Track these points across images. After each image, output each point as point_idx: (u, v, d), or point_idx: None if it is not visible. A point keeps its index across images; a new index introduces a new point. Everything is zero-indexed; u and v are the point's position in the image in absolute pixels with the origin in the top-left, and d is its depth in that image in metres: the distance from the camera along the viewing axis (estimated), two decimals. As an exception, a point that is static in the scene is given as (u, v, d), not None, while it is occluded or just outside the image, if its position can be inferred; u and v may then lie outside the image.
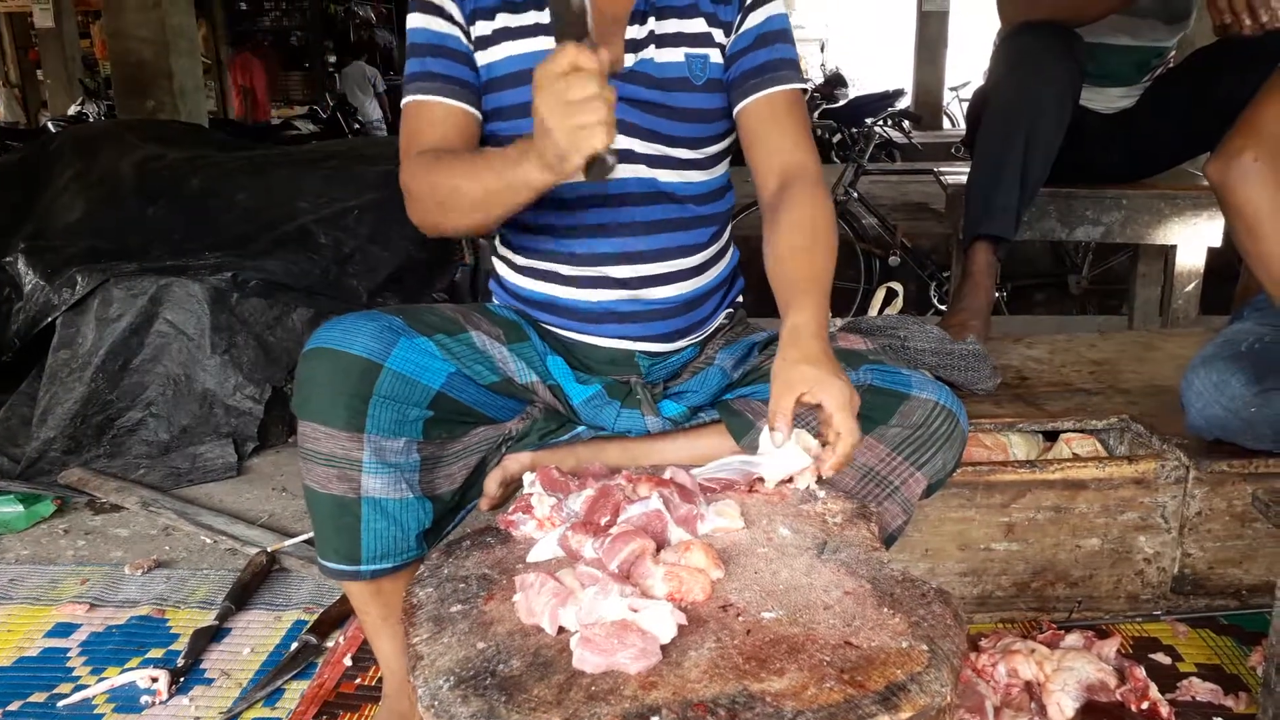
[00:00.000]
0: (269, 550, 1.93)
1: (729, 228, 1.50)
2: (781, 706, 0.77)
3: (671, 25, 1.33)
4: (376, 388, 1.18)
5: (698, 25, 1.35)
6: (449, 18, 1.31)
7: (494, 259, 1.51)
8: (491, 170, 1.19)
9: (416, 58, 1.32)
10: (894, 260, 5.19)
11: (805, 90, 1.39)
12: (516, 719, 0.77)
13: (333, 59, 13.53)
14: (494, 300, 1.51)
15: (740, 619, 0.90)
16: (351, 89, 10.89)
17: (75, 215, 2.79)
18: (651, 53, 1.32)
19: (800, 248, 1.26)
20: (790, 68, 1.36)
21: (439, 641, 0.90)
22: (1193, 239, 2.58)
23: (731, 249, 1.53)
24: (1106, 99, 2.44)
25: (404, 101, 1.33)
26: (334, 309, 2.57)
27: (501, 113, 1.32)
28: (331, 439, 1.18)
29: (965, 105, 11.30)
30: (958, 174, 2.95)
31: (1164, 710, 1.39)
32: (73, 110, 9.98)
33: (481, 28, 1.31)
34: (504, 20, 1.31)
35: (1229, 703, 1.44)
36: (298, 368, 1.22)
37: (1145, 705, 1.39)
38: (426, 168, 1.27)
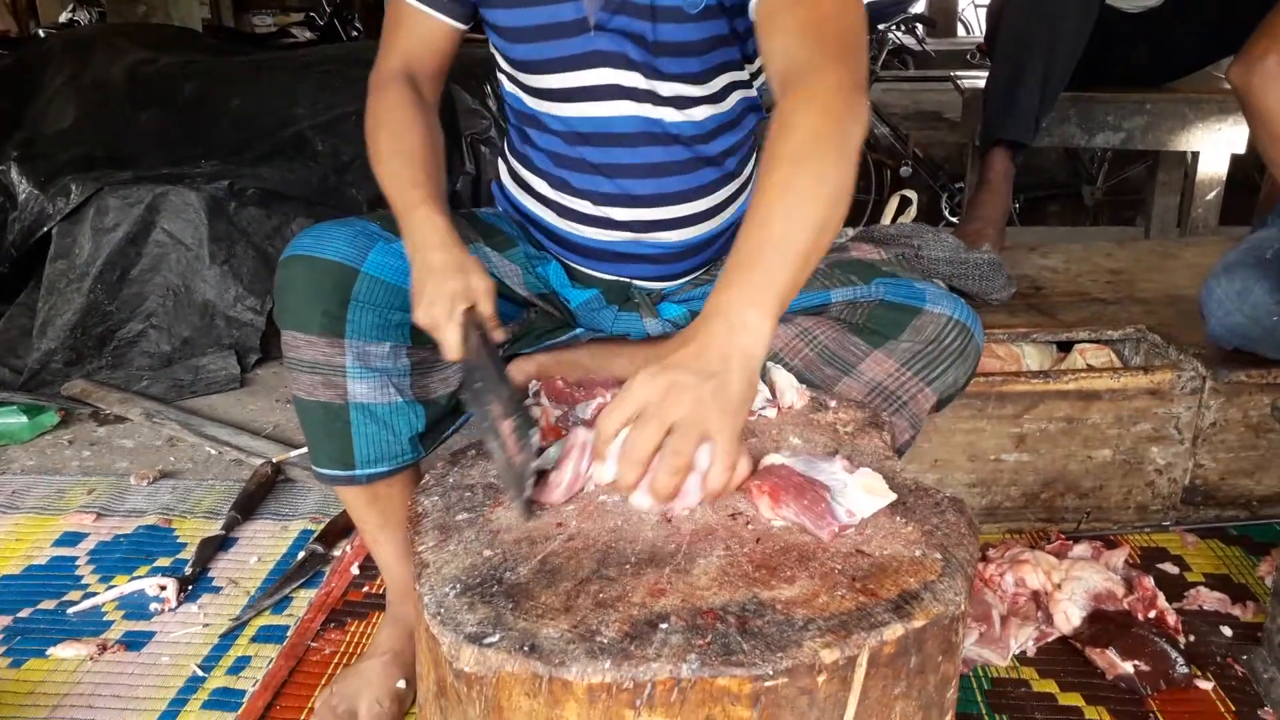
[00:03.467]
0: (274, 461, 1.93)
1: (751, 160, 1.39)
2: (792, 614, 0.76)
3: None
4: (354, 293, 1.15)
5: None
6: None
7: (500, 162, 1.46)
8: (391, 192, 1.18)
9: None
10: (905, 170, 5.09)
11: None
12: (523, 625, 0.76)
13: (328, -37, 13.14)
14: (495, 206, 1.46)
15: (750, 527, 0.89)
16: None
17: (67, 122, 2.71)
18: None
19: (768, 185, 0.91)
20: None
21: (445, 549, 0.88)
22: (1216, 145, 2.51)
23: (744, 197, 1.42)
24: (1132, -2, 2.34)
25: None
26: (333, 218, 2.52)
27: (497, 30, 1.24)
28: (312, 345, 1.15)
29: (981, 11, 10.97)
30: (974, 79, 2.86)
31: (1171, 619, 1.39)
32: (64, 18, 9.72)
33: None
34: None
35: (1236, 611, 1.44)
36: (275, 277, 1.19)
37: (1152, 614, 1.39)
38: (378, 115, 1.23)
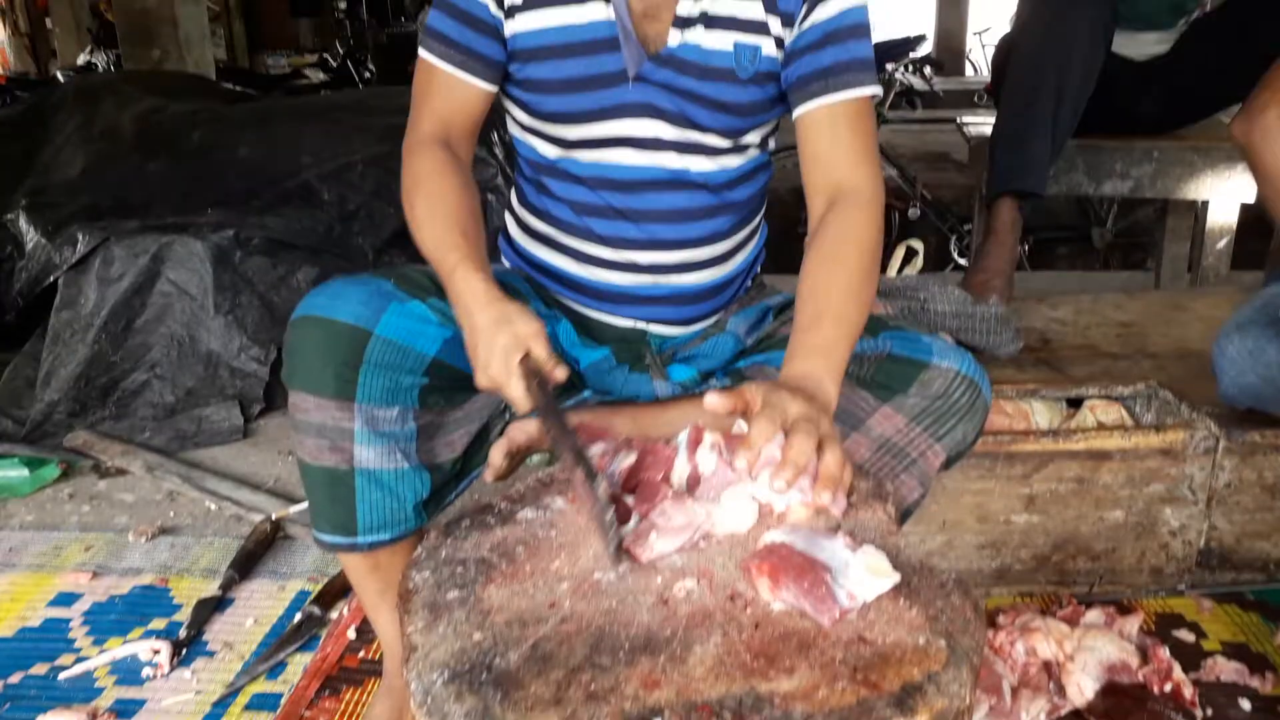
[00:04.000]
0: (274, 517, 1.91)
1: (763, 206, 1.42)
2: (791, 709, 0.73)
3: (725, 6, 1.21)
4: (366, 355, 1.13)
5: (753, 10, 1.21)
6: None
7: (507, 215, 1.46)
8: (431, 258, 1.19)
9: (439, 11, 1.24)
10: (914, 212, 5.09)
11: (877, 95, 1.23)
12: (512, 718, 0.74)
13: (342, 5, 13.34)
14: (502, 260, 1.45)
15: (749, 610, 0.86)
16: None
17: (76, 170, 2.73)
18: (698, 35, 1.20)
19: (825, 272, 1.14)
20: (861, 69, 1.21)
21: (434, 631, 0.86)
22: (1226, 194, 2.49)
23: (761, 228, 1.45)
24: (1139, 45, 2.33)
25: (420, 52, 1.26)
26: (339, 267, 2.52)
27: (530, 84, 1.25)
28: (321, 409, 1.13)
29: (988, 50, 11.04)
30: (980, 124, 2.85)
31: (1187, 691, 1.34)
32: (82, 59, 9.88)
33: None
34: None
35: (1254, 683, 1.40)
36: (286, 336, 1.17)
37: (1168, 686, 1.35)
38: (416, 179, 1.23)
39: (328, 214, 2.58)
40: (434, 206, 1.21)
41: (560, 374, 1.10)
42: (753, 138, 1.30)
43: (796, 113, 1.22)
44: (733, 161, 1.30)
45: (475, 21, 1.22)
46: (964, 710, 0.76)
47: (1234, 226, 2.57)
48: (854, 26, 1.21)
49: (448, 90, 1.25)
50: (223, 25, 12.10)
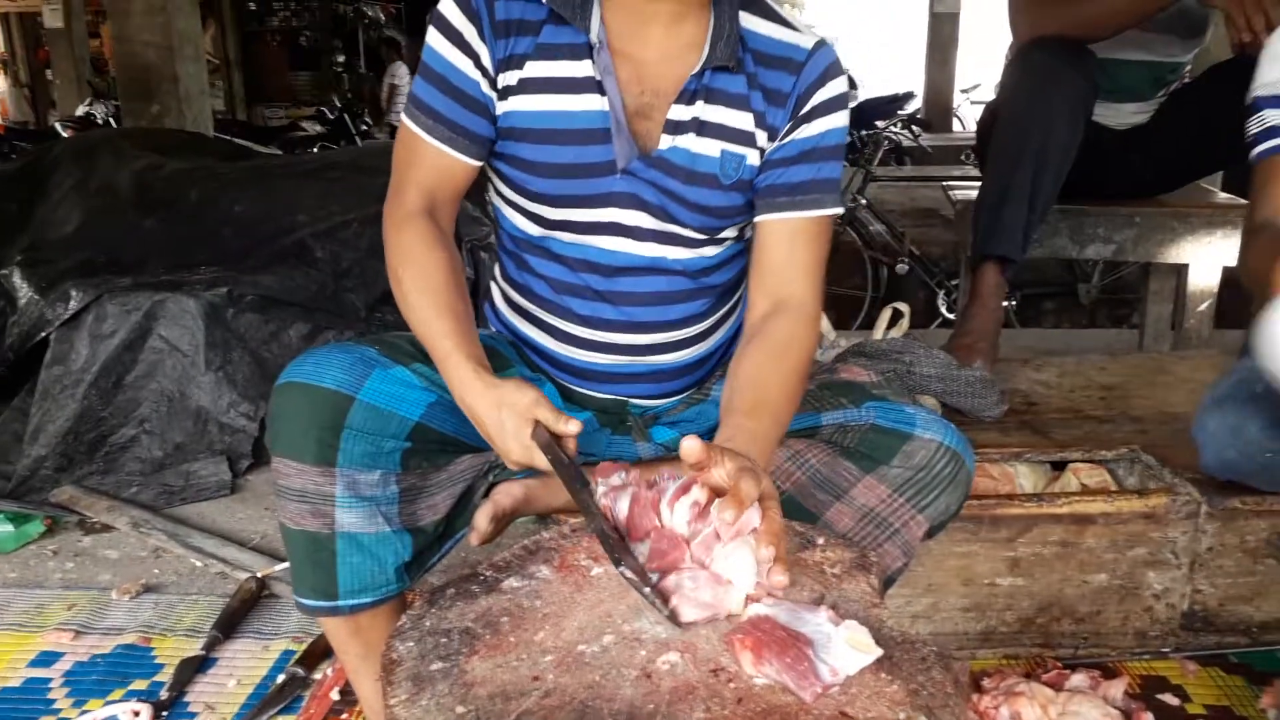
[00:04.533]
0: (259, 575, 1.90)
1: (741, 285, 1.43)
2: (772, 786, 0.73)
3: (717, 114, 1.23)
4: (348, 420, 1.15)
5: (744, 121, 1.24)
6: (473, 56, 1.20)
7: (491, 284, 1.48)
8: (422, 338, 1.20)
9: (427, 82, 1.23)
10: (902, 268, 5.15)
11: (839, 214, 1.29)
12: (493, 795, 0.74)
13: (340, 59, 13.53)
14: (489, 326, 1.47)
15: (732, 685, 0.86)
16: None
17: (71, 227, 2.76)
18: (689, 141, 1.23)
19: (770, 368, 1.17)
20: (828, 190, 1.26)
21: (417, 704, 0.86)
22: (1206, 258, 2.53)
23: (742, 303, 1.45)
24: (1120, 115, 2.39)
25: (404, 119, 1.25)
26: (331, 324, 2.54)
27: (518, 163, 1.24)
28: (303, 474, 1.14)
29: (976, 108, 11.23)
30: (966, 188, 2.90)
31: (1175, 759, 1.34)
32: (81, 110, 9.98)
33: (509, 77, 1.21)
34: (533, 69, 1.21)
35: (1254, 740, 1.40)
36: (270, 402, 1.19)
37: (1155, 752, 1.35)
38: (403, 253, 1.22)
39: (321, 272, 2.60)
40: (422, 285, 1.21)
41: (573, 427, 1.10)
42: (730, 233, 1.32)
43: (759, 217, 1.26)
44: (710, 251, 1.31)
45: (464, 97, 1.21)
46: (944, 787, 0.76)
47: (1215, 289, 2.61)
48: (832, 148, 1.26)
49: (433, 163, 1.24)
50: (222, 77, 12.25)
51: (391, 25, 14.29)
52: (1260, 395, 1.46)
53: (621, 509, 1.02)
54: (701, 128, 1.22)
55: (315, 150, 7.22)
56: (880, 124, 6.86)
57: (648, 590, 0.93)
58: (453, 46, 1.20)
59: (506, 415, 1.10)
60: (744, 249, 1.38)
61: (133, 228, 2.74)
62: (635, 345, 1.32)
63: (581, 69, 1.20)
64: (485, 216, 2.76)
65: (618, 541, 0.99)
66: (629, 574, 0.95)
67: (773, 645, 0.87)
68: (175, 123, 5.25)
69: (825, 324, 2.08)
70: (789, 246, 1.25)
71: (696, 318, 1.35)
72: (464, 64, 1.20)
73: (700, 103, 1.22)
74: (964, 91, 12.63)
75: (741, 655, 0.88)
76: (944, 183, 3.26)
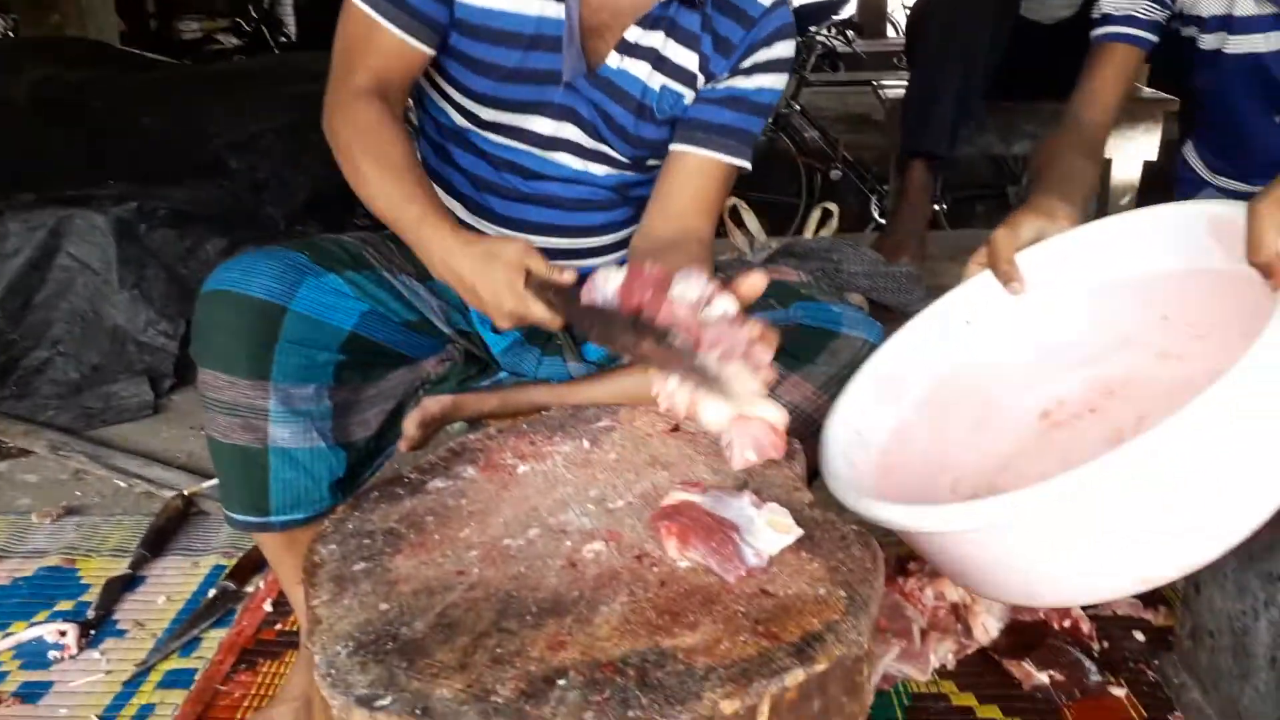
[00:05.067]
0: (185, 493, 1.87)
1: None
2: (693, 663, 0.75)
3: (671, 49, 1.24)
4: (281, 332, 1.11)
5: (690, 61, 1.25)
6: None
7: None
8: (386, 214, 1.13)
9: None
10: (835, 174, 5.13)
11: (746, 169, 1.30)
12: (416, 686, 0.74)
13: (258, -35, 12.88)
14: None
15: (655, 569, 0.87)
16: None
17: (-34, 142, 2.61)
18: (638, 68, 1.23)
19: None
20: (745, 141, 1.28)
21: (339, 604, 0.85)
22: (1129, 152, 2.57)
23: None
24: (1048, 9, 2.38)
25: (348, 7, 1.17)
26: (250, 239, 2.46)
27: (464, 59, 1.19)
28: (234, 387, 1.11)
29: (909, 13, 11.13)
30: (897, 89, 2.88)
31: (1085, 627, 1.41)
32: (-22, 24, 9.41)
33: None
34: None
35: (1149, 616, 1.47)
36: (195, 312, 1.14)
37: (1067, 623, 1.41)
38: (356, 131, 1.14)
39: (237, 184, 2.50)
40: (381, 160, 1.15)
41: (569, 276, 1.07)
42: (654, 162, 1.32)
43: (675, 146, 1.27)
44: (632, 173, 1.32)
45: None
46: (862, 657, 0.78)
47: (1137, 183, 2.65)
48: (763, 105, 1.27)
49: (387, 49, 1.18)
50: (128, -13, 11.59)
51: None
52: None
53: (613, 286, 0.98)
54: (655, 60, 1.22)
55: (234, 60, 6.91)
56: (813, 29, 6.77)
57: (698, 361, 0.92)
58: None
59: (496, 267, 1.05)
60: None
61: (33, 142, 2.60)
62: (555, 249, 1.30)
63: None
64: (406, 120, 2.67)
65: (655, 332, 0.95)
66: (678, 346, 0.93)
67: (698, 530, 0.88)
68: (77, 33, 4.96)
69: (755, 226, 2.07)
70: (699, 182, 1.26)
71: (618, 224, 1.34)
72: None
73: (659, 33, 1.22)
74: (898, -4, 12.48)
75: (667, 541, 0.89)
76: (875, 80, 3.23)
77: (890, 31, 12.18)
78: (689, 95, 1.26)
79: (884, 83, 3.09)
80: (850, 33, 8.16)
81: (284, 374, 1.12)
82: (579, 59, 1.19)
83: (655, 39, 1.22)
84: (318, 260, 1.16)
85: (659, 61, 1.24)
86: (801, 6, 8.10)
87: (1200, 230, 1.09)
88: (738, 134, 1.27)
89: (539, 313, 1.04)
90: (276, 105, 2.74)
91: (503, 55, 1.19)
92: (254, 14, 10.02)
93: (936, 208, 3.45)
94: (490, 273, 1.05)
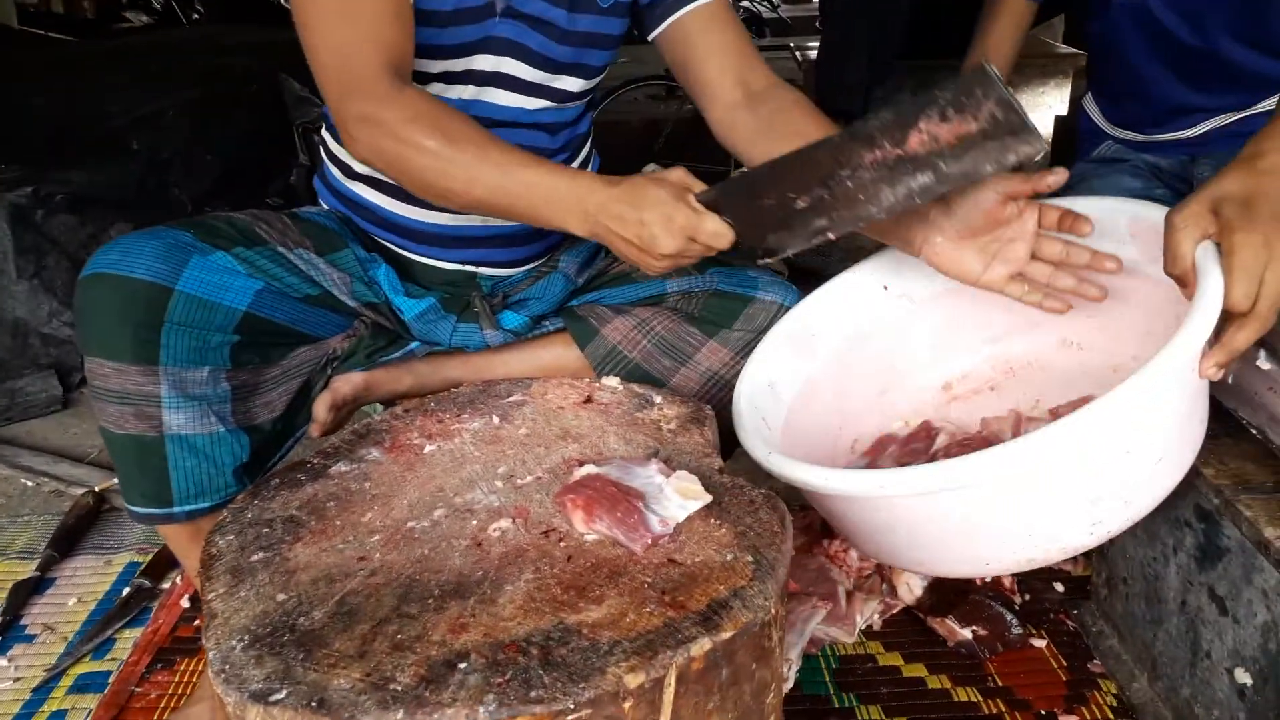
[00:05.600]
0: (96, 489, 1.80)
1: (589, 139, 1.40)
2: (598, 637, 0.74)
3: None
4: (168, 314, 1.06)
5: None
6: None
7: (322, 153, 1.37)
8: (522, 177, 1.02)
9: None
10: (762, 139, 5.13)
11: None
12: (313, 677, 0.72)
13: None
14: (319, 202, 1.38)
15: (562, 544, 0.86)
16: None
17: None
18: None
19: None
20: None
21: (235, 595, 0.82)
22: (1039, 108, 2.59)
23: (593, 162, 1.42)
24: (958, -35, 2.38)
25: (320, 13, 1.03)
26: (156, 221, 2.35)
27: (416, 14, 1.09)
28: (122, 374, 1.06)
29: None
30: (814, 50, 2.88)
31: (1006, 581, 1.43)
32: None
33: None
34: None
35: (1068, 566, 1.49)
36: (75, 298, 1.09)
37: (988, 577, 1.42)
38: (413, 121, 1.01)
39: (139, 165, 2.40)
40: (478, 142, 1.03)
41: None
42: (597, 79, 1.29)
43: (666, 23, 1.24)
44: (571, 105, 1.28)
45: None
46: (769, 621, 0.78)
47: (1050, 138, 2.68)
48: None
49: (383, 6, 1.04)
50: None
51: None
52: None
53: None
54: None
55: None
56: (736, -7, 6.73)
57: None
58: None
59: (663, 190, 1.00)
60: (588, 107, 1.35)
61: (-83, 127, 2.46)
62: None
63: None
64: (315, 96, 2.58)
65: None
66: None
67: (603, 502, 0.86)
68: (-35, 14, 4.72)
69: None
70: (720, 31, 1.23)
71: None
72: None
73: None
74: (821, -42, 12.49)
75: (573, 515, 0.87)
76: (792, 43, 3.22)
77: (815, -6, 12.23)
78: None
79: (803, 46, 3.08)
80: (774, -1, 8.16)
81: (174, 358, 1.07)
82: None
83: None
84: (204, 238, 1.12)
85: None
86: (725, -30, 8.06)
87: (1120, 225, 1.12)
88: None
89: (712, 225, 1.00)
90: (182, 81, 2.62)
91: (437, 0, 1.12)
92: (163, -11, 9.67)
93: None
94: (658, 194, 0.99)
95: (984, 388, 1.31)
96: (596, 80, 1.30)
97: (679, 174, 1.03)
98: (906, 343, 1.30)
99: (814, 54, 2.78)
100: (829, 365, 1.24)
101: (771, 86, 1.24)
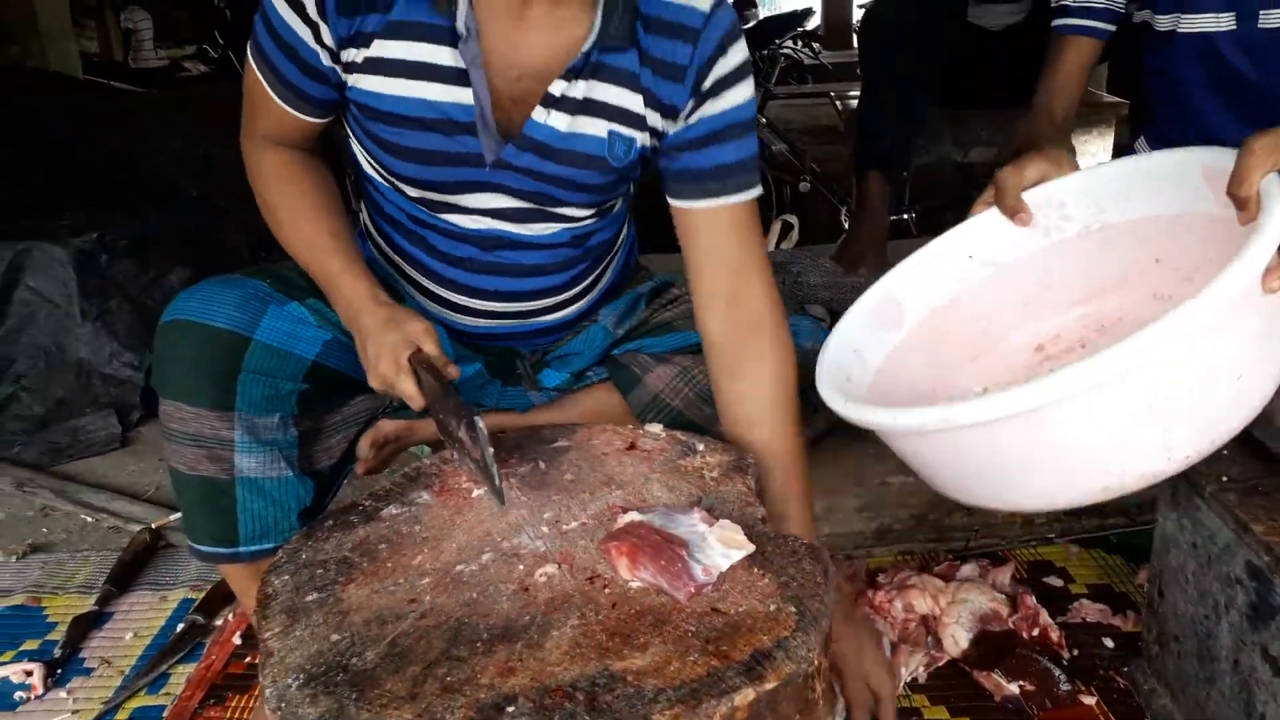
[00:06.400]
0: (153, 526, 1.85)
1: (622, 225, 1.38)
2: (643, 685, 0.75)
3: (604, 92, 1.12)
4: (245, 362, 1.11)
5: (633, 102, 1.13)
6: (312, 27, 1.08)
7: (363, 215, 1.42)
8: (304, 261, 1.15)
9: (268, 34, 1.11)
10: (804, 186, 5.15)
11: (759, 195, 1.21)
12: (366, 717, 0.74)
13: (221, -7, 12.85)
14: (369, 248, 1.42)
15: (607, 591, 0.87)
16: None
17: (-79, 178, 2.58)
18: (567, 121, 1.12)
19: (783, 454, 1.16)
20: (748, 171, 1.17)
21: (291, 635, 0.85)
22: (1084, 155, 2.59)
23: (628, 238, 1.41)
24: (995, 16, 2.40)
25: (248, 59, 1.15)
26: (214, 267, 2.42)
27: (378, 142, 1.14)
28: (198, 418, 1.10)
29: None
30: (856, 97, 2.91)
31: (1054, 635, 1.41)
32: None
33: (353, 54, 1.09)
34: (382, 49, 1.08)
35: (1117, 622, 1.47)
36: (156, 342, 1.14)
37: (1036, 631, 1.41)
38: (267, 181, 1.18)
39: (196, 211, 2.49)
40: (295, 206, 1.17)
41: (453, 371, 1.08)
42: (614, 204, 1.28)
43: (683, 204, 1.18)
44: (590, 221, 1.26)
45: (305, 65, 1.11)
46: (812, 673, 0.79)
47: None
48: (744, 124, 1.16)
49: (278, 116, 1.16)
50: (95, 17, 11.52)
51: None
52: None
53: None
54: (586, 106, 1.12)
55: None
56: (778, 41, 6.81)
57: (490, 453, 0.96)
58: (291, 11, 1.08)
59: (393, 332, 1.07)
60: (621, 212, 1.34)
61: (-12, 174, 2.57)
62: (510, 311, 1.29)
63: (443, 56, 1.08)
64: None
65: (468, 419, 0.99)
66: (474, 445, 0.97)
67: (647, 549, 0.88)
68: (38, 65, 4.93)
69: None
70: (731, 235, 1.17)
71: (579, 278, 1.31)
72: (303, 32, 1.09)
73: (583, 82, 1.11)
74: (861, 6, 12.59)
75: (617, 561, 0.89)
76: (833, 92, 3.26)
77: (855, 43, 12.31)
78: (641, 137, 1.16)
79: (843, 94, 3.12)
80: (816, 45, 8.25)
81: (248, 404, 1.12)
82: (498, 142, 1.12)
83: (587, 88, 1.12)
84: (280, 289, 1.16)
85: (597, 108, 1.13)
86: (767, 19, 8.17)
87: (1194, 176, 1.12)
88: (741, 165, 1.17)
89: (407, 387, 1.06)
90: (235, 131, 2.71)
91: (417, 139, 1.12)
92: (220, 40, 10.00)
93: (905, 216, 3.49)
94: (383, 335, 1.07)
95: (1076, 346, 1.30)
96: (610, 197, 1.26)
97: (415, 328, 1.07)
98: (996, 307, 1.30)
99: (854, 102, 2.82)
100: (917, 334, 1.24)
101: (750, 327, 1.18)
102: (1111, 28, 1.56)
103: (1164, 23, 1.53)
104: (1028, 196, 1.24)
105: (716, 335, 1.18)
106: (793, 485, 1.15)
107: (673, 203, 1.19)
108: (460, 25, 1.06)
